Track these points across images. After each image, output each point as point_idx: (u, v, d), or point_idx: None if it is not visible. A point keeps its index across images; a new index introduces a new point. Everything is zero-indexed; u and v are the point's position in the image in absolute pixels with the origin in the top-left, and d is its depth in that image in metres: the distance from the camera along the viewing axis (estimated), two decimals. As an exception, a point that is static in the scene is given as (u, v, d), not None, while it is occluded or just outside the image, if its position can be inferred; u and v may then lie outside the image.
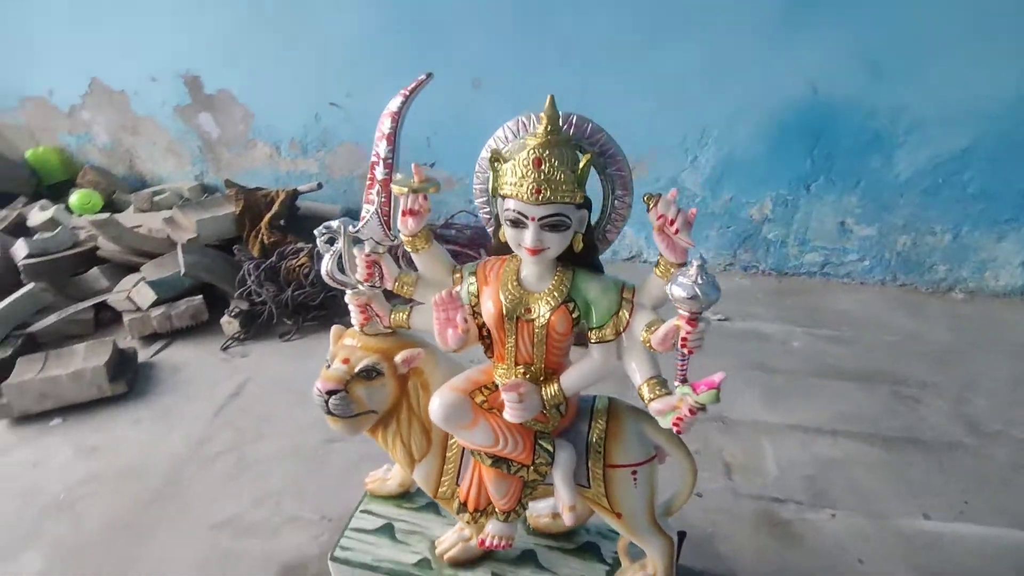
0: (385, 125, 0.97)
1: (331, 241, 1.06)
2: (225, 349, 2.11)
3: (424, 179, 0.92)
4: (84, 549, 1.38)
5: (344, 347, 1.11)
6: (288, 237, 2.39)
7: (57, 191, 3.06)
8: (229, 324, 2.15)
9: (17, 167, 3.05)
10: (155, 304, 2.14)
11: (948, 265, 2.42)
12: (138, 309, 2.14)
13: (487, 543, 1.14)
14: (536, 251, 0.89)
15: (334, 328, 1.16)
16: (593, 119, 0.94)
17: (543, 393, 0.96)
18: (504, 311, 0.94)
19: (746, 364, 2.02)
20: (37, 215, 2.60)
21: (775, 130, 2.36)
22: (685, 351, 0.82)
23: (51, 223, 2.51)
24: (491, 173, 0.89)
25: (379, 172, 0.98)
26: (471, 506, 1.11)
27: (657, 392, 0.89)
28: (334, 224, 1.04)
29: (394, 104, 0.97)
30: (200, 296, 2.19)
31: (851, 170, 2.36)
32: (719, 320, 2.29)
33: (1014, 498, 1.49)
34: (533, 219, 0.86)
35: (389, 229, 1.01)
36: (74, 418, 1.80)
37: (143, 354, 2.09)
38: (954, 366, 2.00)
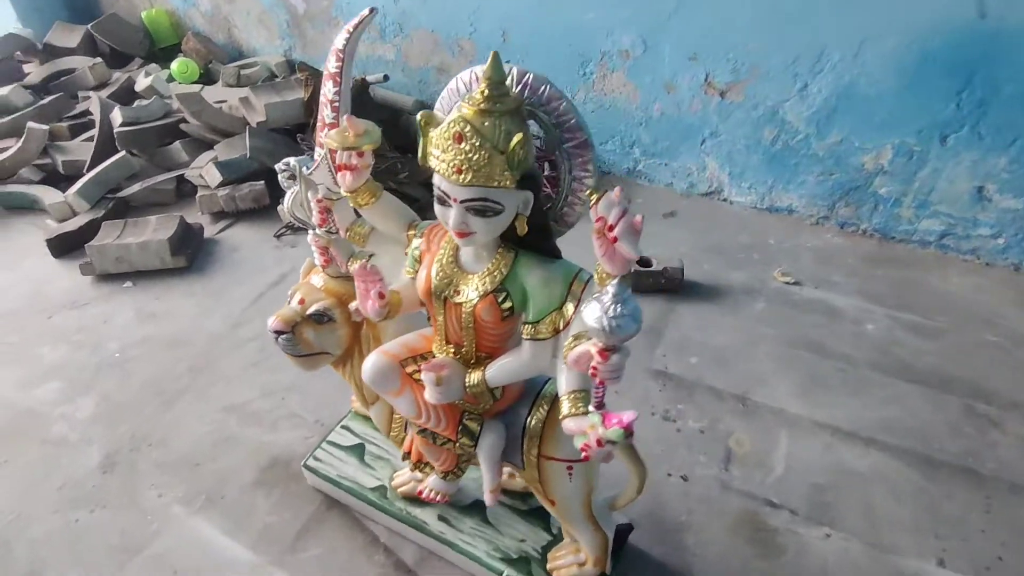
0: (331, 64, 0.87)
1: (292, 178, 1.02)
2: (278, 236, 2.22)
3: (361, 132, 0.83)
4: (123, 406, 1.60)
5: (306, 285, 1.10)
6: (350, 130, 2.36)
7: (169, 55, 3.23)
8: (283, 212, 2.23)
9: (134, 29, 3.23)
10: (222, 184, 2.26)
11: (1114, 260, 1.91)
12: (207, 187, 2.28)
13: (424, 495, 1.16)
14: (461, 235, 0.78)
15: (307, 261, 1.15)
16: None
17: (467, 379, 0.90)
18: (433, 288, 0.86)
19: (796, 340, 1.80)
20: (142, 80, 2.77)
21: (914, 61, 1.87)
22: (596, 379, 0.71)
23: (150, 90, 2.67)
24: (421, 137, 0.77)
25: (326, 114, 0.89)
26: (413, 458, 1.12)
27: (576, 410, 0.79)
28: (292, 162, 0.98)
29: (339, 41, 0.86)
30: (262, 181, 2.28)
31: (1009, 123, 1.85)
32: (787, 283, 2.02)
33: (1065, 567, 1.25)
34: (456, 200, 0.75)
35: (337, 177, 0.93)
36: (142, 283, 2.02)
37: (210, 230, 2.25)
38: (1064, 390, 1.64)
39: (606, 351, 0.69)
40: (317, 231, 1.01)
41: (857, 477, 1.43)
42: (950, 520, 1.34)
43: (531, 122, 0.79)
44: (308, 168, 0.97)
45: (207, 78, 2.98)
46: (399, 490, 1.26)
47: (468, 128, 0.71)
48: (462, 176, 0.73)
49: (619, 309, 0.65)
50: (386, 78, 2.51)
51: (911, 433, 1.52)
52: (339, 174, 0.86)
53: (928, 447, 1.49)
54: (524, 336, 0.85)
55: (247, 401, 1.61)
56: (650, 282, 1.94)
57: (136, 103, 2.60)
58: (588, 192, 0.70)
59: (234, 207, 2.28)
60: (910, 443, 1.50)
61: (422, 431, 0.98)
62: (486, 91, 0.72)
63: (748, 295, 1.98)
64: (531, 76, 0.77)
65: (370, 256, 1.04)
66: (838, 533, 1.31)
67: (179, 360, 1.73)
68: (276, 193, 2.30)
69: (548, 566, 1.14)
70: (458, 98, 0.80)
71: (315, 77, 2.44)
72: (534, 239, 0.83)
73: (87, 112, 2.68)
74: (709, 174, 2.39)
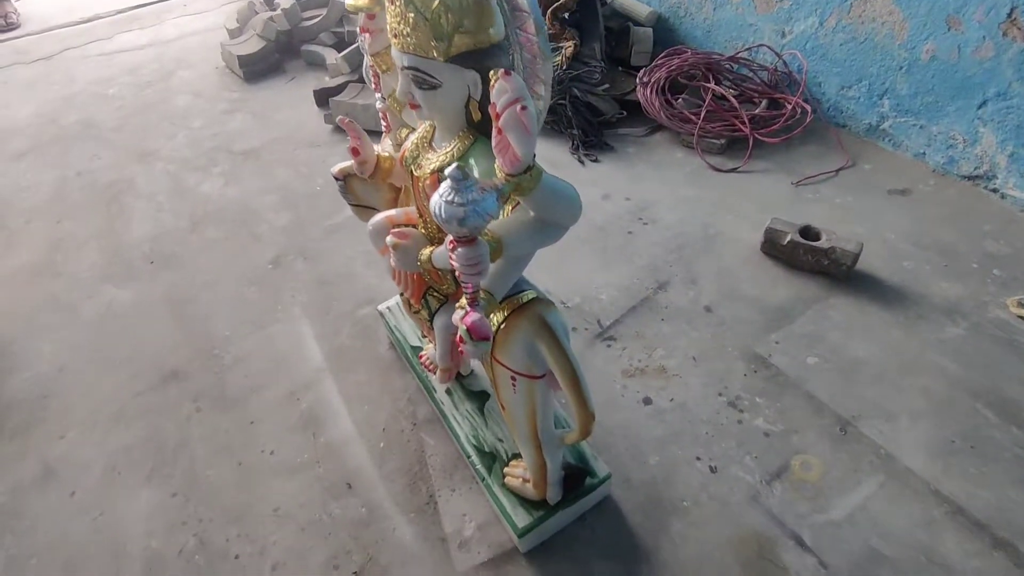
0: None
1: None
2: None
3: (371, -3, 0.87)
4: (302, 224, 2.02)
5: (370, 144, 1.23)
6: (566, 33, 2.35)
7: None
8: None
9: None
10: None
11: None
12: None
13: (424, 360, 1.26)
14: (411, 107, 0.80)
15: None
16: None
17: (419, 254, 0.94)
18: (404, 159, 0.90)
19: (981, 390, 1.33)
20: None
21: None
22: (458, 273, 0.70)
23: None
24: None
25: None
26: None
27: (467, 304, 0.78)
28: (360, 42, 1.08)
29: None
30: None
31: None
32: (1021, 316, 1.45)
33: None
34: (401, 67, 0.77)
35: (381, 44, 1.00)
36: (361, 139, 2.43)
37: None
38: None
39: (455, 241, 0.66)
40: (376, 96, 1.11)
41: (941, 570, 1.07)
42: None
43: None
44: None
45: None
46: (422, 358, 1.38)
47: (397, -13, 0.70)
48: (398, 41, 0.73)
49: (454, 197, 0.62)
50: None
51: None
52: (362, 37, 0.93)
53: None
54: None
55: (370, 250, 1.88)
56: (810, 260, 1.61)
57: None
58: (491, 73, 0.64)
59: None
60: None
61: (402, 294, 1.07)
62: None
63: (947, 315, 1.49)
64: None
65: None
66: (863, 610, 1.03)
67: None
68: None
69: (504, 469, 1.17)
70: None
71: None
72: (489, 125, 0.79)
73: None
74: (980, 150, 1.76)
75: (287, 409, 1.43)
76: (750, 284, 1.63)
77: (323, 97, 2.60)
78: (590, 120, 2.20)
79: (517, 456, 1.19)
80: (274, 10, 3.11)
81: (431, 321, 1.01)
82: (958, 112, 1.77)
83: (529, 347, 0.94)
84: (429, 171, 0.85)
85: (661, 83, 2.18)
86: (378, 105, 1.13)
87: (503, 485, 1.16)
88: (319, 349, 1.58)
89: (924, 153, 1.91)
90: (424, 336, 1.22)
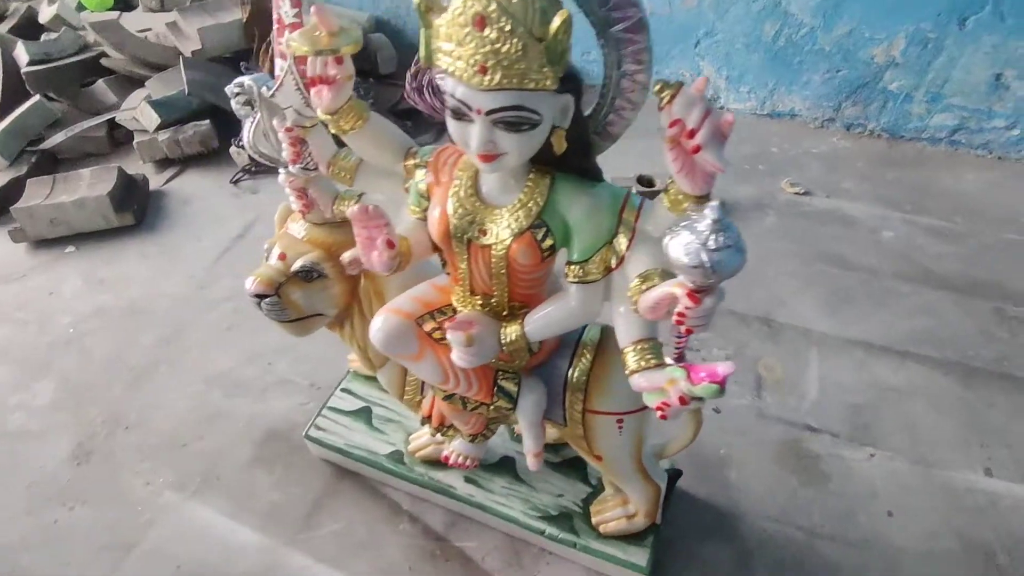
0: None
1: (251, 104, 0.81)
2: (235, 183, 1.98)
3: (336, 30, 0.62)
4: (87, 387, 1.41)
5: (284, 237, 0.91)
6: (303, 54, 2.07)
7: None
8: (239, 155, 1.98)
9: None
10: (162, 127, 1.98)
11: None
12: (145, 131, 1.99)
13: (452, 460, 1.03)
14: (488, 158, 0.61)
15: (280, 208, 0.96)
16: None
17: (502, 335, 0.75)
18: (451, 228, 0.69)
19: (814, 254, 1.69)
20: (46, 10, 2.38)
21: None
22: (682, 329, 0.57)
23: (57, 20, 2.29)
24: (422, 29, 0.58)
25: (285, 11, 0.68)
26: (435, 422, 0.99)
27: (645, 363, 0.65)
28: (246, 82, 0.77)
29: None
30: (207, 120, 2.00)
31: (1037, 0, 1.69)
32: (797, 194, 1.89)
33: (1109, 464, 1.22)
34: (480, 112, 0.57)
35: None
36: (86, 247, 1.77)
37: (155, 181, 1.99)
38: (1089, 283, 1.58)
39: (697, 293, 0.54)
40: (290, 169, 0.82)
41: (894, 393, 1.36)
42: (993, 428, 1.29)
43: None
44: (269, 88, 0.76)
45: (123, 3, 2.58)
46: (418, 454, 1.13)
47: (493, 7, 0.52)
48: (488, 77, 0.54)
49: (721, 239, 0.50)
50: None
51: (944, 342, 1.45)
52: (313, 91, 0.66)
53: (963, 355, 1.43)
54: (569, 279, 0.69)
55: (229, 369, 1.44)
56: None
57: (43, 37, 2.23)
58: (658, 88, 0.53)
59: (179, 152, 2.01)
60: (944, 353, 1.43)
61: (449, 396, 0.84)
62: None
63: (758, 210, 1.85)
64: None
65: (360, 195, 0.86)
66: (882, 452, 1.25)
67: (143, 331, 1.54)
68: (226, 132, 2.04)
69: (593, 520, 1.05)
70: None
71: (254, -6, 2.11)
72: (572, 158, 0.66)
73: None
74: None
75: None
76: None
77: (-11, 210, 1.80)
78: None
79: (588, 500, 1.08)
80: None
81: (513, 408, 0.82)
82: (681, 54, 2.15)
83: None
84: (512, 234, 0.66)
85: (431, 81, 2.11)
86: (291, 179, 0.84)
87: (600, 537, 1.04)
88: (244, 526, 1.15)
89: (665, 92, 2.28)
90: (448, 429, 0.98)
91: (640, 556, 1.01)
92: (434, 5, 0.57)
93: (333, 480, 1.22)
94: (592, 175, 0.69)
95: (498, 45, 0.53)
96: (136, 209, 1.81)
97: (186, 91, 1.96)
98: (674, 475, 1.05)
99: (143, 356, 1.47)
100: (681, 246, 0.51)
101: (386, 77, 2.26)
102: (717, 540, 1.12)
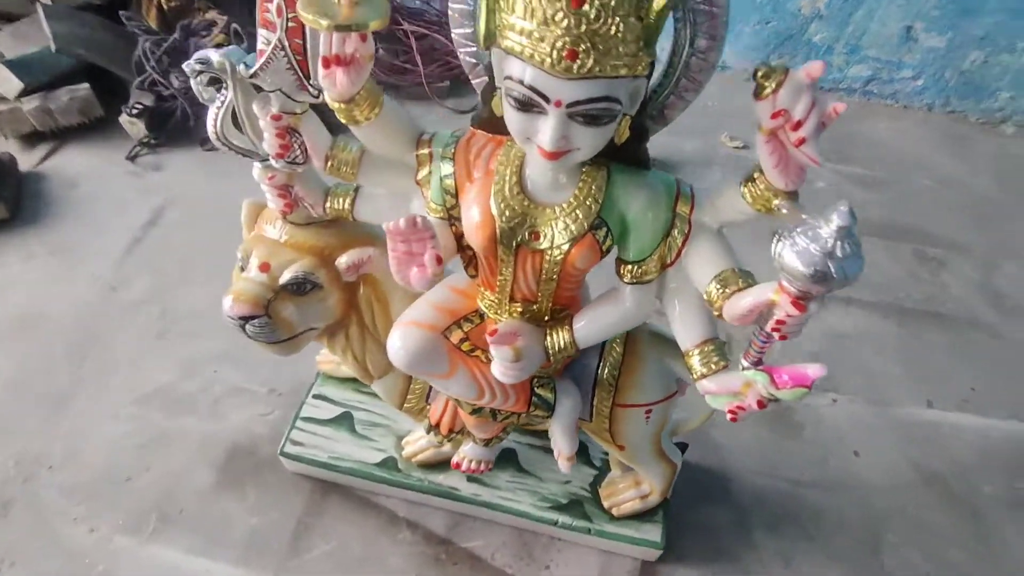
0: None
1: (216, 83, 0.65)
2: (132, 159, 1.69)
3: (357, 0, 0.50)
4: (-13, 423, 1.18)
5: (262, 243, 0.77)
6: (196, 2, 1.78)
7: None
8: (132, 125, 1.68)
9: None
10: (26, 92, 1.63)
11: (1012, 92, 2.03)
12: (4, 99, 1.64)
13: (463, 466, 0.97)
14: (557, 155, 0.53)
15: (246, 205, 0.81)
16: None
17: (548, 343, 0.68)
18: (498, 233, 0.60)
19: (761, 209, 1.75)
20: None
21: None
22: (776, 336, 0.54)
23: None
24: (482, 4, 0.48)
25: (279, -30, 0.54)
26: (444, 429, 0.91)
27: (713, 366, 0.62)
28: (214, 57, 0.62)
29: None
30: (86, 83, 1.67)
31: (946, -45, 1.80)
32: (736, 148, 1.94)
33: (1021, 386, 1.39)
34: (559, 104, 0.49)
35: (309, 77, 0.60)
36: (-52, 249, 1.45)
37: (25, 161, 1.65)
38: (990, 222, 1.77)
39: (802, 300, 0.51)
40: (274, 163, 0.68)
41: (845, 339, 1.46)
42: (929, 363, 1.42)
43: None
44: (248, 66, 0.61)
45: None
46: (415, 459, 1.05)
47: (599, -20, 0.43)
48: (579, 61, 0.46)
49: (848, 248, 0.46)
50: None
51: (879, 287, 1.57)
52: (326, 73, 0.53)
53: (896, 297, 1.55)
54: (625, 280, 0.64)
55: (168, 384, 1.25)
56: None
57: None
58: (762, 74, 0.47)
59: (52, 124, 1.67)
60: (880, 296, 1.55)
61: (477, 410, 0.77)
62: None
63: (704, 166, 1.87)
64: None
65: (356, 189, 0.74)
66: (842, 396, 1.35)
67: (48, 346, 1.29)
68: (111, 97, 1.73)
69: (605, 503, 1.04)
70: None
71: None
72: (627, 145, 0.59)
73: None
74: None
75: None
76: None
77: None
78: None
79: (596, 483, 1.07)
80: None
81: (550, 416, 0.76)
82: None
83: (661, 370, 0.82)
84: (571, 237, 0.59)
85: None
86: (271, 175, 0.71)
87: (613, 519, 1.04)
88: (220, 562, 1.03)
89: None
90: (457, 435, 0.91)
91: (654, 532, 1.03)
92: None
93: (316, 495, 1.11)
94: (641, 160, 0.63)
95: (596, 25, 0.44)
96: (6, 198, 1.50)
97: (52, 46, 1.61)
98: (683, 448, 1.06)
99: (55, 379, 1.25)
100: (799, 254, 0.47)
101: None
102: (713, 503, 1.16)
